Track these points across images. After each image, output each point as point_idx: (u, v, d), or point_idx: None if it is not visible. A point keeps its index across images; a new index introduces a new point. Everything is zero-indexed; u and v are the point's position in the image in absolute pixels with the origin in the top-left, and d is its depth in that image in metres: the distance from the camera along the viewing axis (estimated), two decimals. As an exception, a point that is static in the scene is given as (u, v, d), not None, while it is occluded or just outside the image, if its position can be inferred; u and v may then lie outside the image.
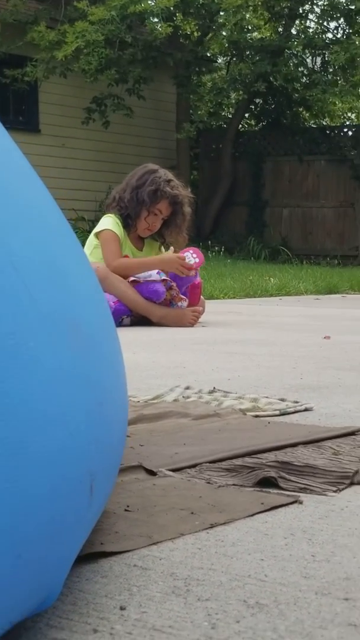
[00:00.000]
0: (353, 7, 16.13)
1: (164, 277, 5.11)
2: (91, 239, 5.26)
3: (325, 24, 17.19)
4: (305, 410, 2.39)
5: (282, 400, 2.49)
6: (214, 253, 14.55)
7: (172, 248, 5.25)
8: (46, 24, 14.08)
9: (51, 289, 1.02)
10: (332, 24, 17.59)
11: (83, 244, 5.19)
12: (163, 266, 5.10)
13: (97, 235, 5.20)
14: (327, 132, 17.17)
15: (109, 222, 5.19)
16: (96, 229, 5.24)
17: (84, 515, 1.00)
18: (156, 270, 5.14)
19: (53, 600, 0.94)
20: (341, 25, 17.21)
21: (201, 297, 5.42)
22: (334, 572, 1.18)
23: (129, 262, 5.14)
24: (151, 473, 1.64)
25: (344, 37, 16.78)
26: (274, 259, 15.74)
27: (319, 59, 17.51)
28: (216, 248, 15.05)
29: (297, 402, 2.46)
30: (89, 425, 1.01)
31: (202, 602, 1.07)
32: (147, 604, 1.06)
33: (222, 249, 15.05)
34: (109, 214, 5.24)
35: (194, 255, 5.17)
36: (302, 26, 17.51)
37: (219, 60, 18.54)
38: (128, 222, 5.19)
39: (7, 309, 0.91)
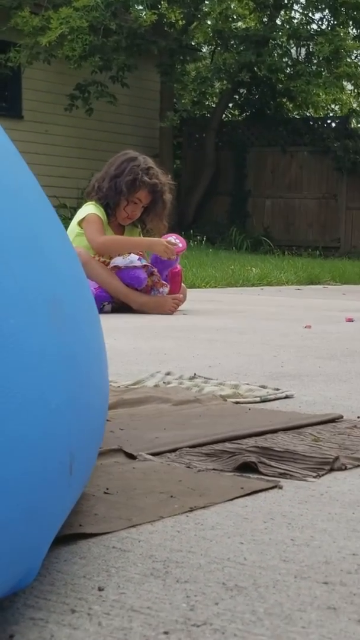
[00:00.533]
0: (338, -2, 16.13)
1: (145, 263, 5.10)
2: (73, 227, 5.22)
3: (310, 14, 17.17)
4: (286, 397, 2.39)
5: (263, 387, 2.49)
6: (195, 242, 14.53)
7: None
8: (30, 10, 13.99)
9: (33, 266, 1.01)
10: (317, 15, 17.54)
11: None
12: (150, 246, 5.09)
13: (80, 222, 5.16)
14: (311, 123, 17.19)
15: (91, 209, 5.16)
16: (78, 217, 5.20)
17: (63, 495, 0.99)
18: (137, 257, 5.13)
19: (31, 580, 0.94)
20: (326, 17, 17.21)
21: (182, 285, 5.41)
22: (313, 556, 1.18)
23: (117, 237, 5.12)
24: (131, 457, 1.63)
25: (329, 28, 16.78)
26: (256, 249, 15.74)
27: (303, 50, 17.48)
28: (198, 237, 15.03)
29: (277, 389, 2.46)
30: (69, 405, 1.00)
31: (181, 584, 1.06)
32: (125, 585, 1.05)
33: (204, 239, 15.03)
34: (90, 202, 5.21)
35: (177, 240, 5.17)
36: (287, 16, 17.47)
37: (204, 50, 18.50)
38: (107, 211, 5.17)
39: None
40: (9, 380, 0.87)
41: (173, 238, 5.17)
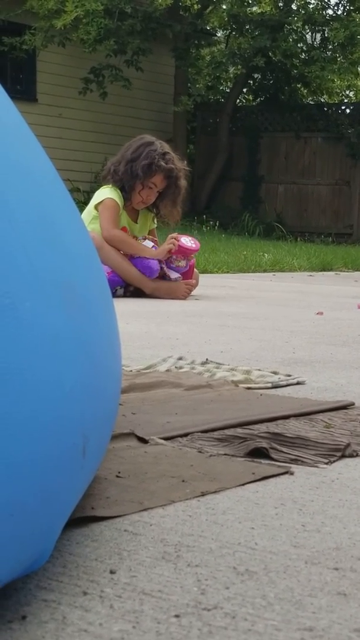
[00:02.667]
0: (355, -17, 16.05)
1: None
2: (90, 210, 5.21)
3: (325, 0, 17.07)
4: (298, 383, 2.39)
5: (275, 373, 2.49)
6: (208, 228, 14.52)
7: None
8: (45, -8, 13.96)
9: (47, 249, 1.01)
10: (333, 0, 17.48)
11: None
12: (157, 255, 5.08)
13: (97, 206, 5.15)
14: (325, 109, 17.11)
15: (109, 192, 5.15)
16: (96, 200, 5.19)
17: (76, 477, 0.99)
18: (152, 244, 5.13)
19: (44, 561, 0.94)
20: (342, 2, 17.10)
21: (195, 270, 5.41)
22: (324, 542, 1.18)
23: (126, 238, 5.11)
24: (143, 441, 1.64)
25: (344, 14, 16.69)
26: (269, 235, 15.71)
27: (318, 36, 17.41)
28: (211, 222, 15.01)
29: (289, 375, 2.46)
30: (83, 388, 1.00)
31: (192, 567, 1.07)
32: (137, 569, 1.06)
33: (217, 224, 15.01)
34: (107, 185, 5.21)
35: (192, 241, 5.14)
36: (302, 2, 17.37)
37: (219, 34, 18.43)
38: (122, 194, 5.16)
39: (3, 268, 0.90)
40: (22, 362, 0.88)
41: (189, 239, 5.14)
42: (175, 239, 5.04)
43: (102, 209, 5.10)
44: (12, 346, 0.87)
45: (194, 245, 5.12)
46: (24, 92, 15.08)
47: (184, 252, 5.08)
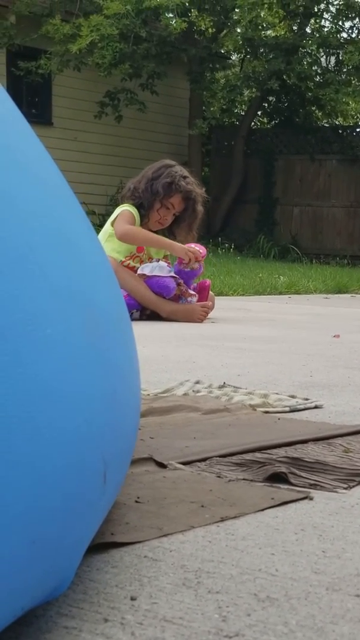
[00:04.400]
0: (369, 6, 16.10)
1: (172, 273, 5.12)
2: (106, 228, 5.26)
3: (340, 23, 17.14)
4: (315, 407, 2.39)
5: (292, 397, 2.48)
6: (223, 250, 14.53)
7: None
8: (61, 17, 14.07)
9: (67, 272, 1.01)
10: (347, 24, 17.54)
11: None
12: (171, 246, 5.11)
13: (112, 222, 5.20)
14: (340, 131, 17.15)
15: (126, 207, 5.19)
16: (112, 217, 5.25)
17: (97, 503, 0.99)
18: (166, 264, 5.15)
19: (65, 588, 0.94)
20: (356, 25, 17.17)
21: (210, 293, 5.41)
22: (344, 568, 1.18)
23: (137, 230, 5.13)
24: (161, 465, 1.63)
25: (359, 37, 16.73)
26: (284, 257, 15.72)
27: (333, 59, 17.46)
28: (226, 245, 15.03)
29: (307, 399, 2.45)
30: (104, 413, 1.00)
31: (213, 594, 1.07)
32: (157, 595, 1.05)
33: (232, 246, 15.03)
34: (125, 204, 5.24)
35: (197, 248, 5.19)
36: (317, 25, 17.46)
37: (233, 57, 18.51)
38: (141, 212, 5.20)
39: (24, 293, 0.90)
40: (45, 389, 0.88)
41: (193, 246, 5.19)
42: (194, 253, 5.09)
43: (117, 219, 5.15)
44: (34, 371, 0.87)
45: (201, 251, 5.19)
46: (39, 116, 15.19)
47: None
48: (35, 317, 0.90)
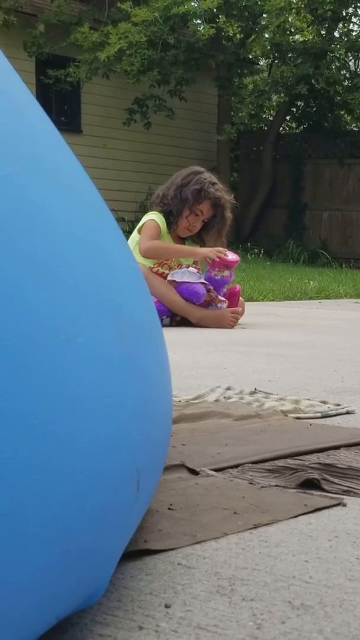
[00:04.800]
0: None
1: (202, 279, 5.12)
2: (134, 236, 5.27)
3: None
4: (347, 413, 2.38)
5: (324, 402, 2.47)
6: (253, 255, 14.51)
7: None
8: (89, 25, 14.12)
9: (98, 279, 1.02)
10: (376, 27, 17.48)
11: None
12: (194, 252, 5.11)
13: (139, 230, 5.21)
14: (369, 135, 17.09)
15: (152, 215, 5.20)
16: (140, 224, 5.26)
17: (130, 511, 0.99)
18: (195, 270, 5.15)
19: (100, 596, 0.94)
20: (385, 29, 17.12)
21: (240, 298, 5.41)
22: (379, 575, 1.17)
23: (162, 243, 5.14)
24: (194, 472, 1.63)
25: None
26: (313, 262, 15.67)
27: (361, 62, 17.42)
28: (255, 250, 15.01)
29: (338, 404, 2.45)
30: (137, 421, 1.00)
31: (247, 602, 1.06)
32: (191, 603, 1.05)
33: (262, 252, 15.00)
34: (153, 212, 5.25)
35: (232, 254, 5.17)
36: (345, 29, 17.41)
37: (261, 63, 18.50)
38: (170, 219, 5.20)
39: (57, 302, 0.90)
40: (77, 398, 0.88)
41: (229, 253, 5.16)
42: (219, 252, 5.06)
43: (142, 230, 5.17)
44: (67, 381, 0.87)
45: (234, 257, 5.14)
46: (69, 123, 15.24)
47: (226, 264, 5.10)
48: (68, 326, 0.90)
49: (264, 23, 15.77)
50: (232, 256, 5.14)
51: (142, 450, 1.02)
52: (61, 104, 15.40)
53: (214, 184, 5.16)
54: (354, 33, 17.06)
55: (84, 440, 0.86)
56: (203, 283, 5.08)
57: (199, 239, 5.35)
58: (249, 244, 15.62)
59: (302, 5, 16.34)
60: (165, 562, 1.19)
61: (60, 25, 14.15)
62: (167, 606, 1.04)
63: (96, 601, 0.97)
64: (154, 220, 5.18)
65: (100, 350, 0.95)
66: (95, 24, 14.37)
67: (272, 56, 17.11)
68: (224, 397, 2.52)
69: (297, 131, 18.56)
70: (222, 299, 5.17)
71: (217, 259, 5.05)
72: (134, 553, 1.20)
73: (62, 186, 1.06)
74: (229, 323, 5.09)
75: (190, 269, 5.18)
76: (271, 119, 18.11)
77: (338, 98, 17.16)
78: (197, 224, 5.22)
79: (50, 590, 0.84)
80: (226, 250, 5.20)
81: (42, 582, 0.81)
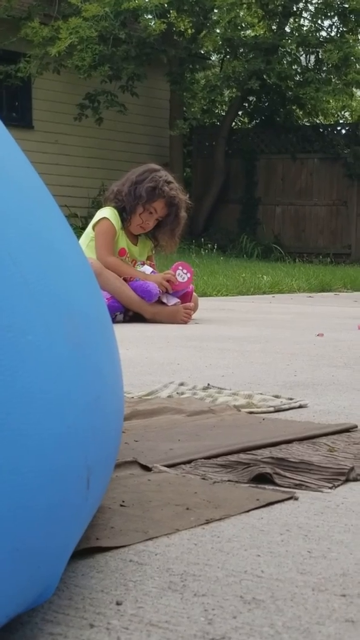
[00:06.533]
0: (347, 5, 16.11)
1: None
2: (88, 231, 5.24)
3: (319, 22, 17.16)
4: (300, 407, 2.39)
5: (277, 397, 2.48)
6: (206, 251, 14.54)
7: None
8: (40, 20, 14.05)
9: (48, 277, 1.01)
10: (326, 22, 17.56)
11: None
12: (147, 279, 5.10)
13: (94, 226, 5.18)
14: (321, 130, 17.18)
15: (106, 212, 5.17)
16: (94, 220, 5.23)
17: (81, 509, 0.99)
18: (150, 269, 5.16)
19: (50, 594, 0.94)
20: (335, 24, 17.18)
21: (194, 294, 5.41)
22: (330, 568, 1.18)
23: (122, 265, 5.12)
24: (146, 469, 1.63)
25: (338, 35, 16.76)
26: (267, 256, 15.73)
27: (312, 57, 17.48)
28: (209, 246, 15.04)
29: (291, 399, 2.46)
30: (87, 417, 1.00)
31: (199, 597, 1.06)
32: (143, 599, 1.05)
33: (215, 247, 15.03)
34: (107, 207, 5.23)
35: (185, 272, 5.16)
36: (296, 24, 17.48)
37: (213, 58, 18.51)
38: (123, 215, 5.19)
39: (4, 299, 0.90)
40: (26, 396, 0.88)
41: (180, 269, 5.15)
42: (169, 280, 5.06)
43: (97, 232, 5.14)
44: (16, 378, 0.87)
45: (188, 275, 5.14)
46: (19, 119, 15.16)
47: (175, 289, 5.12)
48: (16, 323, 0.90)
49: (215, 18, 15.79)
50: (181, 276, 5.12)
51: (92, 446, 1.02)
52: (12, 100, 15.30)
53: (169, 182, 5.15)
54: (305, 28, 17.13)
55: (33, 437, 0.86)
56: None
57: (152, 236, 5.34)
58: (202, 239, 15.65)
59: (253, 1, 16.38)
60: (117, 559, 1.19)
61: (10, 20, 14.07)
62: (118, 603, 1.04)
63: (47, 599, 0.96)
64: (108, 220, 5.13)
65: (50, 347, 0.94)
66: (46, 19, 14.30)
67: (223, 51, 17.15)
68: (177, 393, 2.52)
69: (249, 126, 18.61)
70: (174, 300, 5.16)
71: (165, 287, 5.06)
72: (86, 551, 1.19)
73: (9, 182, 1.05)
74: (183, 319, 5.09)
75: (145, 267, 5.18)
76: (223, 114, 18.15)
77: (290, 93, 17.23)
78: (151, 222, 5.20)
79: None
80: (182, 265, 5.17)
81: (-9, 582, 0.81)
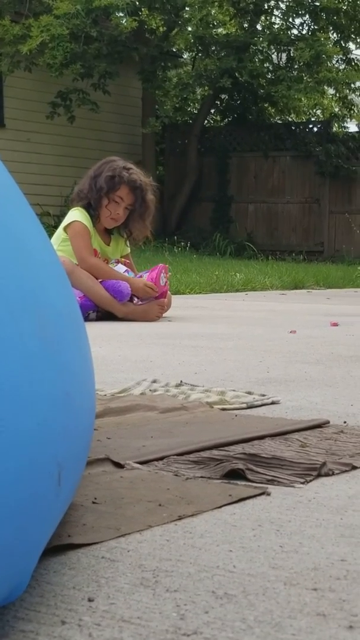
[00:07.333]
0: (318, 3, 16.18)
1: (131, 276, 5.14)
2: (59, 233, 5.22)
3: (290, 20, 17.21)
4: (272, 403, 2.39)
5: (249, 393, 2.49)
6: (179, 248, 14.53)
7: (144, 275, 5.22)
8: (10, 18, 14.00)
9: (18, 275, 1.01)
10: (298, 20, 17.56)
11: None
12: (131, 285, 5.08)
13: (65, 228, 5.16)
14: (293, 128, 17.24)
15: (76, 214, 5.15)
16: (64, 222, 5.20)
17: (52, 506, 0.99)
18: (124, 269, 5.15)
19: (21, 592, 0.94)
20: (306, 22, 17.25)
21: (168, 292, 5.41)
22: (302, 562, 1.18)
23: (103, 267, 5.11)
24: (118, 466, 1.63)
25: (309, 33, 16.82)
26: (240, 254, 15.76)
27: (284, 55, 17.54)
28: (182, 243, 15.04)
29: (264, 395, 2.46)
30: (57, 414, 1.00)
31: (171, 593, 1.06)
32: (115, 596, 1.05)
33: (188, 245, 15.04)
34: (75, 208, 5.21)
35: (164, 275, 5.17)
36: (267, 22, 17.52)
37: (185, 56, 18.52)
38: (90, 212, 5.16)
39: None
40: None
41: (163, 274, 5.15)
42: (152, 288, 5.07)
43: (72, 235, 5.10)
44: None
45: (164, 284, 5.15)
46: (-9, 117, 15.10)
47: (156, 297, 5.14)
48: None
49: (186, 16, 15.80)
50: (162, 280, 5.13)
51: (63, 443, 1.02)
52: (-17, 98, 15.24)
53: (128, 169, 5.12)
54: (276, 26, 17.18)
55: (2, 433, 0.86)
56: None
57: (126, 227, 5.30)
58: (175, 237, 15.64)
59: (225, -1, 16.41)
60: (89, 556, 1.18)
61: (-20, 18, 14.01)
62: (90, 600, 1.03)
63: (18, 597, 0.96)
64: (79, 221, 5.10)
65: (19, 344, 0.94)
66: (17, 17, 14.25)
67: (195, 49, 17.15)
68: (150, 390, 2.52)
69: (222, 124, 18.64)
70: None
71: (148, 294, 5.06)
72: (58, 548, 1.19)
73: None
74: (155, 316, 5.09)
75: (119, 266, 5.18)
76: (196, 112, 18.16)
77: (262, 91, 17.26)
78: (120, 212, 5.15)
79: (-31, 587, 0.83)
80: (162, 270, 5.17)
81: None
